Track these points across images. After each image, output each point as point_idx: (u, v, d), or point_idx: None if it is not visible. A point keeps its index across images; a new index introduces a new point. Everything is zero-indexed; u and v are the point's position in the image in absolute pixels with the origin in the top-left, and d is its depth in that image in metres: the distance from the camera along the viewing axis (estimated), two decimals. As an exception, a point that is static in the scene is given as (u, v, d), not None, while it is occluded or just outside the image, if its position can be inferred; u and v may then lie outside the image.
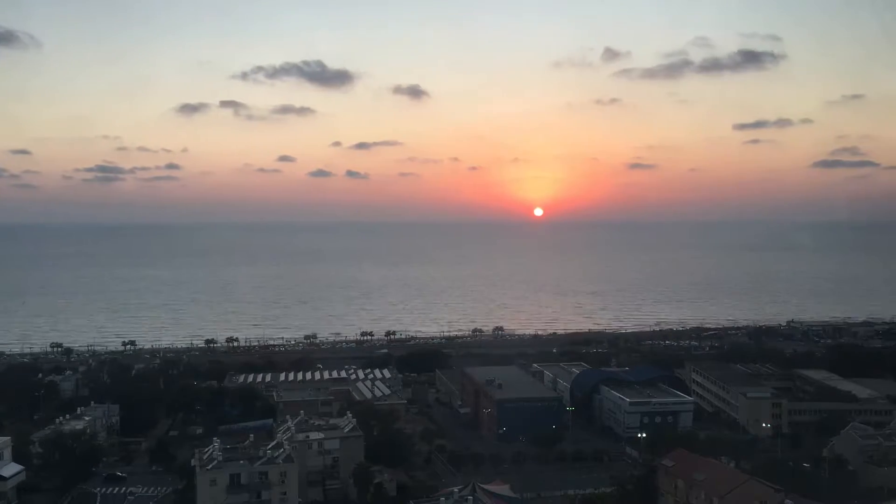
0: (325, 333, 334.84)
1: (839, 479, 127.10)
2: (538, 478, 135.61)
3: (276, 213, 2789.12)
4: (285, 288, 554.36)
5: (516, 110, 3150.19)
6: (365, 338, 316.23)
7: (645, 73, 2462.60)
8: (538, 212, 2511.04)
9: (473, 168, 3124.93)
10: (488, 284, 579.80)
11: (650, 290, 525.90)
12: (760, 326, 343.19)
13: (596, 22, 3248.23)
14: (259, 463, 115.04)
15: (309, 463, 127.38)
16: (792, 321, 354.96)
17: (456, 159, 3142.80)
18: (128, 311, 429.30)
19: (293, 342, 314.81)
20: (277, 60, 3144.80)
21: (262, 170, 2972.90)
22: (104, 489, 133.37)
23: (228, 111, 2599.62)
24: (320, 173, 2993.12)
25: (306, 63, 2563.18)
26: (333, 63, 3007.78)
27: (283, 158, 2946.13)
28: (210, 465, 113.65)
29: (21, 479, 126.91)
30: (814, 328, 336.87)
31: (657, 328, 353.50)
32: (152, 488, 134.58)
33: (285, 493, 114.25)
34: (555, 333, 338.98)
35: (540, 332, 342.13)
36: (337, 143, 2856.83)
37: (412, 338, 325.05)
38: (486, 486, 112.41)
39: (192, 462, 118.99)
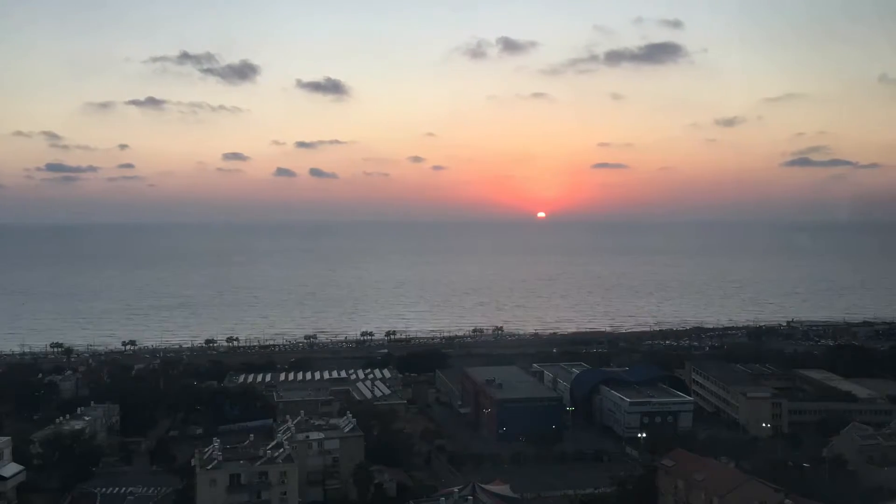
0: (326, 333, 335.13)
1: (839, 479, 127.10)
2: (538, 478, 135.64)
3: (237, 213, 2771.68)
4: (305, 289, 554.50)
5: (445, 105, 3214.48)
6: (365, 338, 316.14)
7: (557, 67, 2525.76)
8: (541, 214, 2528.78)
9: (438, 168, 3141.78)
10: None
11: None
12: (760, 326, 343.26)
13: (494, 12, 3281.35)
14: (259, 463, 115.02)
15: (309, 463, 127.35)
16: (792, 321, 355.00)
17: (418, 158, 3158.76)
18: (128, 312, 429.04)
19: (293, 342, 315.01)
20: (159, 53, 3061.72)
21: (221, 169, 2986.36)
22: (104, 489, 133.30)
23: (142, 108, 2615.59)
24: (284, 172, 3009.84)
25: (186, 55, 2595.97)
26: (227, 57, 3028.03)
27: (232, 157, 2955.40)
28: (210, 465, 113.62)
29: (21, 479, 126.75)
30: (814, 328, 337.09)
31: (657, 328, 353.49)
32: (152, 488, 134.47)
33: (285, 493, 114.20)
34: (555, 333, 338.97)
35: (540, 332, 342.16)
36: (278, 143, 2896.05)
37: (412, 338, 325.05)
38: (486, 486, 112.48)
39: (192, 462, 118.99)
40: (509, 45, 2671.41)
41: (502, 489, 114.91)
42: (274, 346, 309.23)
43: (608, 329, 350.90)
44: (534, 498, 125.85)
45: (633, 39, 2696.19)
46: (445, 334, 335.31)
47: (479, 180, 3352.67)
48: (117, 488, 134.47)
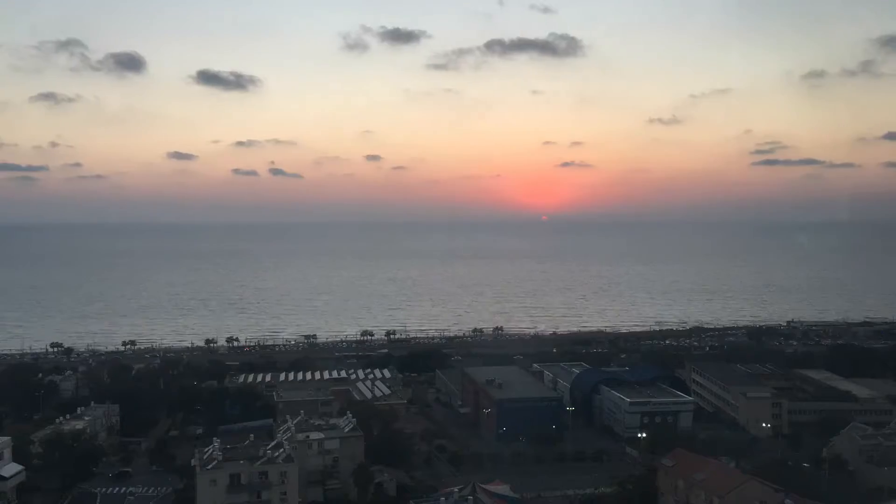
0: (325, 333, 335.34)
1: (839, 479, 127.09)
2: (538, 478, 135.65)
3: (203, 213, 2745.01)
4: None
5: (364, 100, 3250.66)
6: (365, 338, 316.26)
7: (454, 60, 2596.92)
8: (544, 216, 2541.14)
9: (399, 168, 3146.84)
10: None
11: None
12: (760, 326, 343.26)
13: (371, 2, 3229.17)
14: (259, 463, 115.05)
15: (309, 463, 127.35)
16: (792, 321, 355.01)
17: (377, 157, 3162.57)
18: (129, 312, 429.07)
19: (293, 342, 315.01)
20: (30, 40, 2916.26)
21: (177, 170, 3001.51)
22: (104, 489, 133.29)
23: (45, 104, 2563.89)
24: (241, 172, 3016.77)
25: (62, 46, 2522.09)
26: (98, 47, 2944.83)
27: (177, 156, 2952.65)
28: (210, 465, 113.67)
29: (21, 479, 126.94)
30: (814, 328, 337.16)
31: (657, 328, 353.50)
32: (152, 488, 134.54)
33: (285, 493, 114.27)
34: (555, 333, 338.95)
35: (540, 332, 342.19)
36: (217, 141, 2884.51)
37: (412, 338, 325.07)
38: (486, 486, 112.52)
39: (192, 462, 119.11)
40: (398, 36, 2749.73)
41: (502, 489, 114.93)
42: (274, 346, 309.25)
43: (608, 329, 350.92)
44: (534, 498, 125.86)
45: (516, 30, 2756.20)
46: (445, 334, 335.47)
47: (446, 179, 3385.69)
48: (117, 488, 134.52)
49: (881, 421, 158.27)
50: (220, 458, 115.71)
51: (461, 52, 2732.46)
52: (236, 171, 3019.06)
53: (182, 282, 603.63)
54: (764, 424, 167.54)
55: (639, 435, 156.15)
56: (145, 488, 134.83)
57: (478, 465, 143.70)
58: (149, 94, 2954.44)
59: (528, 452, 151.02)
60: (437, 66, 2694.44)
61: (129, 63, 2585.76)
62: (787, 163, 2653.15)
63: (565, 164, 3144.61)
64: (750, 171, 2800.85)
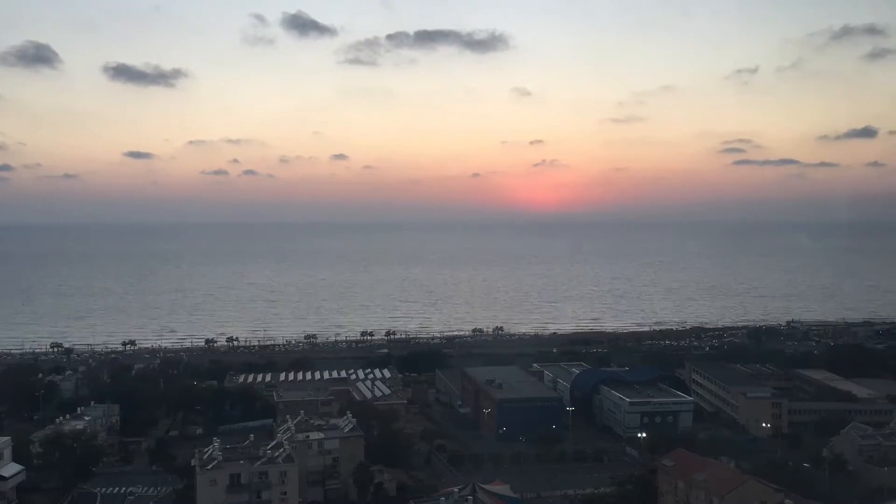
0: (326, 333, 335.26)
1: (839, 479, 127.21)
2: (538, 478, 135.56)
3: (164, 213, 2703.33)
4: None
5: (296, 99, 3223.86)
6: (365, 338, 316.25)
7: (372, 55, 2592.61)
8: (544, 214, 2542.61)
9: (368, 167, 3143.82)
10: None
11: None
12: (760, 326, 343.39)
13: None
14: (259, 463, 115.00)
15: (309, 463, 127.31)
16: (792, 321, 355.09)
17: (343, 156, 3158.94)
18: (130, 312, 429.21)
19: (293, 342, 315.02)
20: None
21: (149, 170, 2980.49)
22: (104, 489, 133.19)
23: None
24: (210, 172, 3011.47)
25: None
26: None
27: (133, 155, 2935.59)
28: (210, 465, 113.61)
29: (21, 479, 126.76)
30: (814, 328, 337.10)
31: (657, 328, 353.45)
32: (152, 488, 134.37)
33: (285, 493, 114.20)
34: (555, 333, 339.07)
35: (540, 332, 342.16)
36: (167, 140, 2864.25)
37: (412, 338, 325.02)
38: (486, 486, 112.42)
39: (192, 462, 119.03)
40: (306, 25, 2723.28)
41: (502, 489, 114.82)
42: (274, 346, 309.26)
43: (608, 329, 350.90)
44: (534, 498, 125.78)
45: (439, 23, 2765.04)
46: (445, 334, 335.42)
47: (423, 178, 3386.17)
48: (117, 488, 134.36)
49: (881, 421, 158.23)
50: (220, 458, 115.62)
51: (374, 45, 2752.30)
52: (203, 172, 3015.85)
53: (182, 281, 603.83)
54: (764, 424, 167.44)
55: (639, 435, 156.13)
56: (145, 488, 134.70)
57: (478, 465, 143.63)
58: (73, 88, 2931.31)
59: (528, 452, 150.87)
60: (355, 61, 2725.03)
61: (39, 56, 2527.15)
62: (759, 162, 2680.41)
63: (537, 165, 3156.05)
64: (718, 170, 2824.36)
